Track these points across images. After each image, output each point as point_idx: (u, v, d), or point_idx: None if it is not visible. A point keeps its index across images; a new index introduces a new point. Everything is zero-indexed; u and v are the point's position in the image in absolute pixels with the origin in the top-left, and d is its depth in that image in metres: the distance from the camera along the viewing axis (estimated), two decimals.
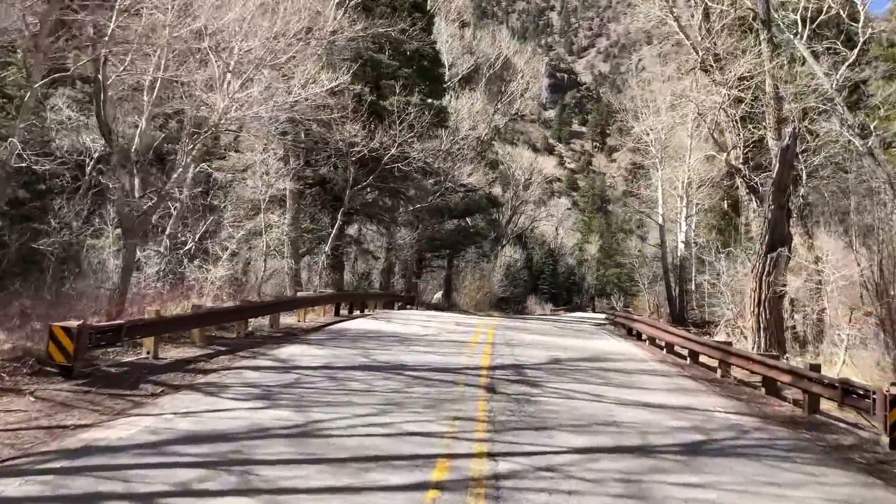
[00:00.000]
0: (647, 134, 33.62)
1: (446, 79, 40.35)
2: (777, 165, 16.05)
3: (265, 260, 26.69)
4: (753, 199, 21.19)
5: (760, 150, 22.33)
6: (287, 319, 19.49)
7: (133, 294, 16.87)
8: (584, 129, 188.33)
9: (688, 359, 16.54)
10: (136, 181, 15.44)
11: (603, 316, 76.45)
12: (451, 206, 46.43)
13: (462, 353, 14.90)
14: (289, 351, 13.84)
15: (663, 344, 18.47)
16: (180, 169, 17.59)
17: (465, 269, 59.03)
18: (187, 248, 21.95)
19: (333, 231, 28.84)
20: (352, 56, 28.21)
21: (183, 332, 14.12)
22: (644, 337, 20.89)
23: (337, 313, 23.00)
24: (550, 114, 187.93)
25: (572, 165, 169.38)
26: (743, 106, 20.91)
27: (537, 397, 10.57)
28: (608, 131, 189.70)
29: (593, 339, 20.66)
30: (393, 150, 27.26)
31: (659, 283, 58.05)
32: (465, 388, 11.03)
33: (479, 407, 9.65)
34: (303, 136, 30.25)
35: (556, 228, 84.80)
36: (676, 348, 17.99)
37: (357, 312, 25.22)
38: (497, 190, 63.04)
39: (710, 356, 15.18)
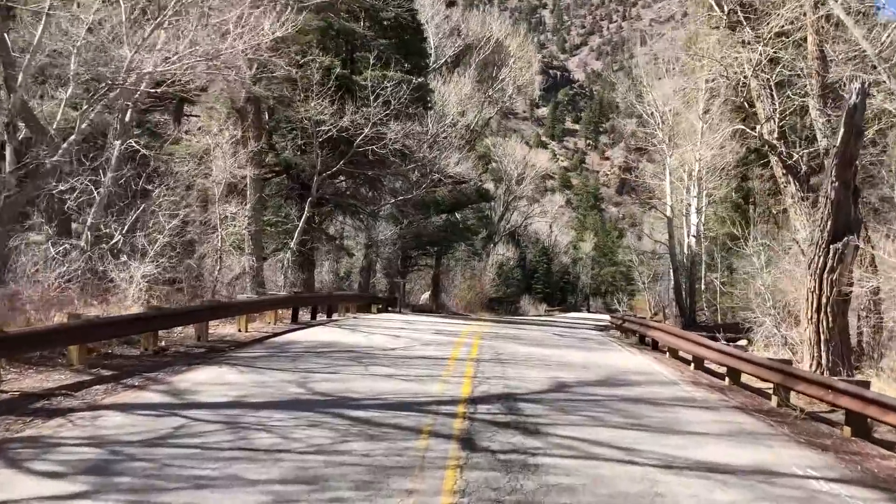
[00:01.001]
0: (652, 115, 29.91)
1: (432, 60, 36.59)
2: (842, 132, 12.31)
3: (220, 258, 22.84)
4: (792, 181, 17.49)
5: (797, 126, 18.67)
6: (225, 329, 15.69)
7: (31, 296, 13.11)
8: (577, 126, 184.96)
9: (725, 378, 12.83)
10: (8, 152, 11.61)
11: (604, 318, 72.78)
12: (439, 200, 42.66)
13: (436, 375, 11.12)
14: (196, 377, 10.02)
15: (690, 358, 14.74)
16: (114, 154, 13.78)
17: (455, 267, 55.23)
18: (113, 242, 18.13)
19: (300, 224, 25.03)
20: (321, 27, 24.46)
21: (56, 351, 10.33)
22: (663, 348, 17.17)
23: (294, 320, 19.18)
24: (543, 111, 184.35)
25: (565, 163, 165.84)
26: (780, 68, 17.20)
27: (539, 456, 6.81)
28: (602, 128, 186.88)
29: (602, 352, 16.90)
30: (366, 131, 23.47)
31: (661, 282, 54.40)
32: (428, 440, 7.25)
33: (445, 485, 5.88)
34: (267, 116, 26.50)
35: (550, 226, 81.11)
36: (707, 363, 14.30)
37: (323, 317, 21.42)
38: (489, 186, 59.37)
39: (761, 378, 11.45)
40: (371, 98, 23.45)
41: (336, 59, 24.33)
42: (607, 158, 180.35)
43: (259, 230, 26.08)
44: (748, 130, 19.27)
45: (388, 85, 23.68)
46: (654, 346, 18.14)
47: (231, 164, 23.30)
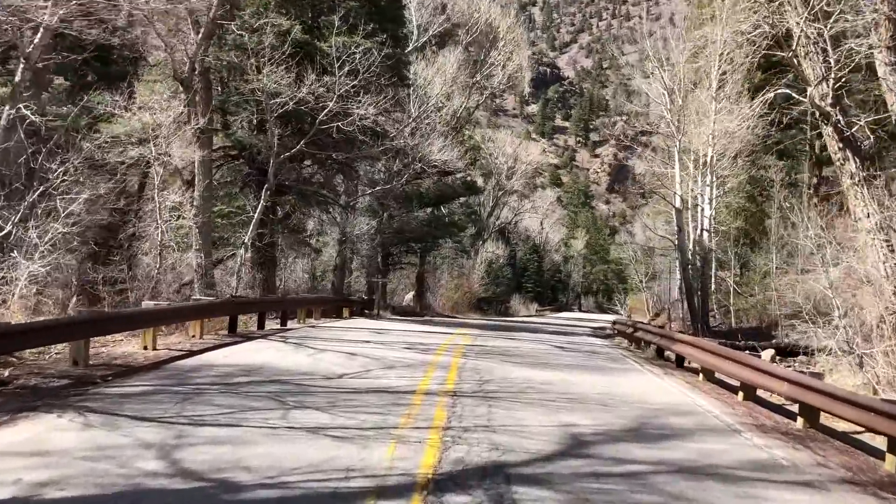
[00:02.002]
0: (662, 94, 26.28)
1: (414, 36, 32.79)
2: None
3: (160, 255, 19.00)
4: (851, 157, 13.83)
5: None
6: (128, 346, 11.87)
7: None
8: (567, 124, 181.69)
9: (798, 418, 9.15)
10: None
11: (600, 319, 68.78)
12: (423, 193, 38.91)
13: (389, 427, 7.34)
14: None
15: (737, 384, 11.06)
16: None
17: (442, 266, 51.45)
18: (3, 233, 14.27)
19: (255, 216, 21.20)
20: None
21: None
22: (690, 363, 13.50)
23: (232, 331, 15.31)
24: (533, 108, 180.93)
25: (556, 161, 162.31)
26: (833, 22, 13.53)
27: None
28: (592, 126, 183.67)
29: (618, 374, 13.12)
30: (330, 105, 19.66)
31: (659, 281, 50.75)
32: None
33: None
34: (219, 89, 22.65)
35: (542, 222, 77.47)
36: (760, 391, 10.64)
37: (274, 326, 17.62)
38: (478, 180, 55.57)
39: (870, 428, 7.77)
40: (335, 65, 19.63)
41: (297, 21, 20.50)
42: (597, 156, 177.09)
43: (208, 222, 22.21)
44: (795, 96, 15.57)
45: (357, 52, 19.87)
46: (679, 363, 14.47)
47: (175, 143, 19.62)
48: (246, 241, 21.29)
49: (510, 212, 64.57)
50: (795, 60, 14.17)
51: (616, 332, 26.56)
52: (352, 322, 21.49)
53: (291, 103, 19.05)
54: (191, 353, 11.65)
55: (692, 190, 26.32)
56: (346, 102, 19.84)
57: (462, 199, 52.78)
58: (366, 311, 29.55)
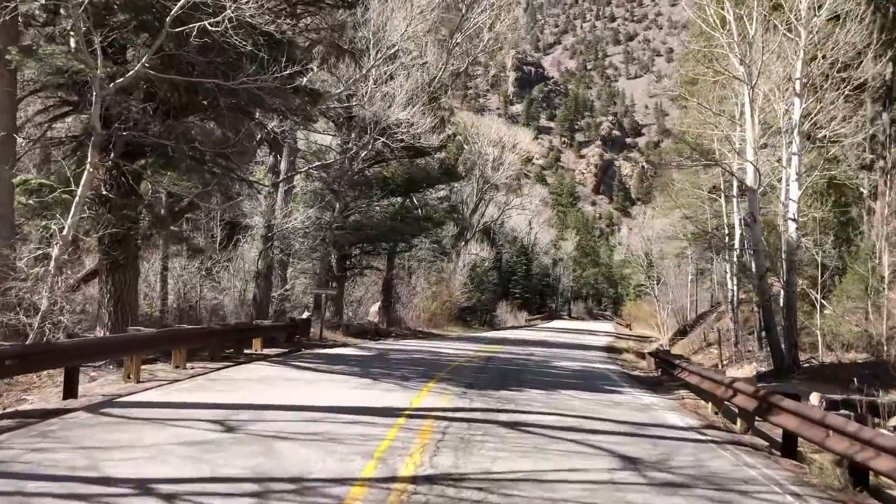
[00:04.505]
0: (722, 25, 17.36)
1: None
2: None
3: None
4: None
5: None
6: None
7: None
8: (552, 124, 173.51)
9: None
10: None
11: (597, 328, 59.65)
12: (388, 178, 29.86)
13: None
14: None
15: None
16: None
17: (417, 270, 42.38)
18: None
19: (79, 192, 12.03)
20: None
21: None
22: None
23: (69, 393, 6.32)
24: (518, 108, 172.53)
25: (541, 161, 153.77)
26: None
27: None
28: (577, 126, 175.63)
29: None
30: None
31: (677, 290, 41.69)
32: None
33: None
34: None
35: (530, 221, 68.57)
36: None
37: (127, 386, 8.51)
38: (460, 168, 46.64)
39: None
40: None
41: None
42: (583, 156, 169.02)
43: (7, 197, 13.08)
44: None
45: None
46: (788, 448, 5.55)
47: None
48: (64, 231, 12.11)
49: (496, 208, 55.64)
50: None
51: (658, 365, 17.70)
52: (225, 377, 12.07)
53: None
54: None
55: (771, 162, 17.51)
56: None
57: (442, 194, 43.75)
58: (298, 336, 20.42)
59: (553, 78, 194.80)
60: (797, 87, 16.67)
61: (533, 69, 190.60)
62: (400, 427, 7.80)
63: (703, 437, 8.65)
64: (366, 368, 13.50)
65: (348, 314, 33.17)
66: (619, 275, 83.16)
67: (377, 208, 28.97)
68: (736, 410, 9.84)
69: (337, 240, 27.44)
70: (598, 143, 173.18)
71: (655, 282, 40.00)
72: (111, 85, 11.55)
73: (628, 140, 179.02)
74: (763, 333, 18.90)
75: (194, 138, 13.83)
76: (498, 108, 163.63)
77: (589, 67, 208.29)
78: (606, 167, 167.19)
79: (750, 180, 17.11)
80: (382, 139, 24.99)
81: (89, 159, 12.13)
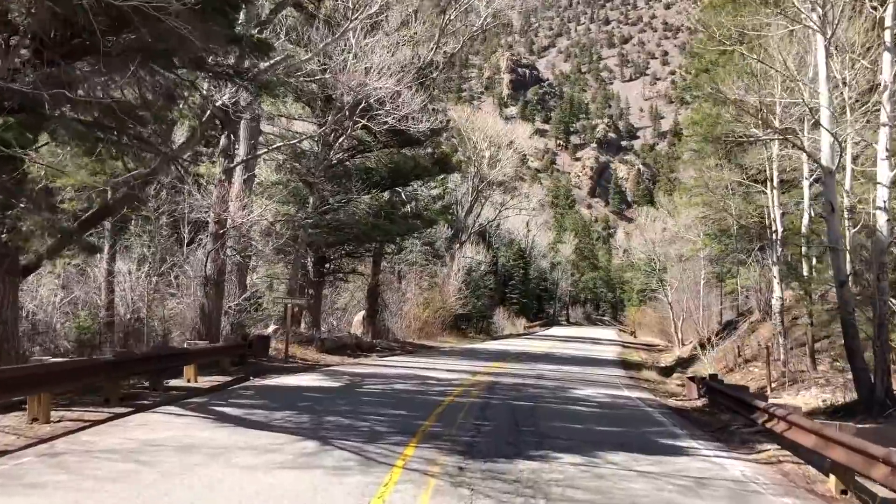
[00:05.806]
0: None
1: None
2: None
3: None
4: None
5: None
6: None
7: None
8: (547, 126, 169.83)
9: None
10: None
11: (599, 335, 55.61)
12: (371, 168, 25.81)
13: None
14: None
15: None
16: None
17: (408, 275, 38.35)
18: None
19: None
20: None
21: None
22: None
23: None
24: (513, 111, 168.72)
25: (536, 164, 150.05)
26: None
27: None
28: (572, 129, 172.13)
29: None
30: None
31: (685, 293, 37.79)
32: None
33: None
34: None
35: (528, 223, 64.63)
36: None
37: None
38: (455, 177, 42.73)
39: None
40: None
41: None
42: (578, 159, 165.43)
43: None
44: None
45: None
46: None
47: None
48: None
49: (492, 209, 51.70)
50: None
51: (705, 394, 13.74)
52: (32, 472, 8.02)
53: None
54: None
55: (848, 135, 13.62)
56: None
57: (435, 192, 39.81)
58: (250, 359, 16.31)
59: (548, 80, 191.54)
60: (887, 38, 12.72)
61: (527, 71, 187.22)
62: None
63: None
64: (319, 417, 9.38)
65: (332, 323, 29.11)
66: (619, 279, 79.20)
67: (359, 203, 24.92)
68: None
69: (312, 240, 23.42)
70: (594, 145, 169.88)
71: (668, 287, 36.02)
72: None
73: (624, 143, 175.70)
74: (818, 350, 14.93)
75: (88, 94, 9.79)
76: (493, 111, 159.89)
77: (584, 70, 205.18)
78: (602, 170, 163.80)
79: (826, 158, 13.16)
80: (364, 121, 21.03)
81: None
